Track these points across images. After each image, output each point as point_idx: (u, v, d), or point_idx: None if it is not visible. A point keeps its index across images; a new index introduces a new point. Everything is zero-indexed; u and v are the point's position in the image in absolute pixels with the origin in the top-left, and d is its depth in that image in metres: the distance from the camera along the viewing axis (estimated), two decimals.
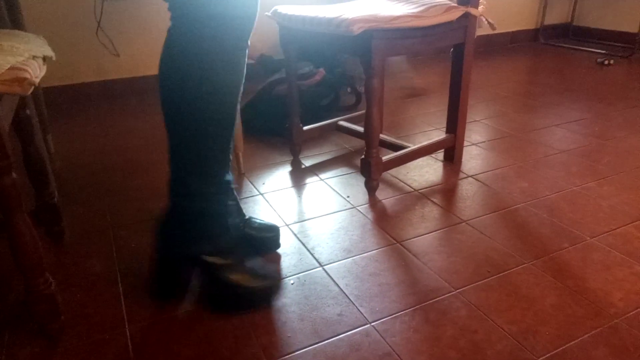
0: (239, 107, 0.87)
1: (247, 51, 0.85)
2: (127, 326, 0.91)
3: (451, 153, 1.56)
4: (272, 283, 0.94)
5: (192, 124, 0.84)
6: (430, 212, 1.27)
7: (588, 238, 1.14)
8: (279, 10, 1.41)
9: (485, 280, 1.00)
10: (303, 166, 1.56)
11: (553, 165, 1.52)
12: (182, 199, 0.89)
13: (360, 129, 1.64)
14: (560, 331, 0.87)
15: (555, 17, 3.44)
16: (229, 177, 0.94)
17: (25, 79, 0.74)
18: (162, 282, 0.94)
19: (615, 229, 1.17)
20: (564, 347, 0.83)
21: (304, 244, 1.14)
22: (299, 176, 1.50)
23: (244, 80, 0.86)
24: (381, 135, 1.58)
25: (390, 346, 0.84)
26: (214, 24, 0.78)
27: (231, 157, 0.92)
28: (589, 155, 1.59)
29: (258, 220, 1.10)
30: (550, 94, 2.25)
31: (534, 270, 1.03)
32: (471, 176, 1.46)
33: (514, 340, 0.85)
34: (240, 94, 0.87)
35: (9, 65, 0.75)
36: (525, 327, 0.88)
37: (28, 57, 0.83)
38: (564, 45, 3.25)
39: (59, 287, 1.01)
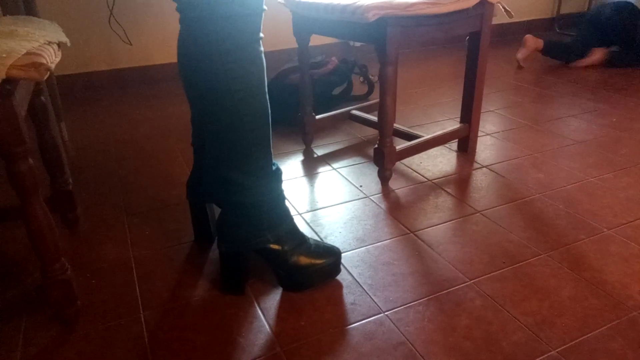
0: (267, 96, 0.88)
1: (261, 41, 0.85)
2: (142, 312, 0.91)
3: (465, 143, 1.54)
4: (335, 257, 0.97)
5: (229, 123, 0.84)
6: (444, 202, 1.25)
7: (605, 230, 1.12)
8: None
9: (500, 271, 0.99)
10: (315, 155, 1.56)
11: (569, 156, 1.50)
12: (236, 196, 0.89)
13: (374, 118, 1.62)
14: (577, 323, 0.86)
15: (571, 6, 3.37)
16: (276, 163, 0.94)
17: (41, 64, 0.73)
18: (232, 278, 0.95)
19: (632, 220, 1.16)
20: (580, 339, 0.82)
21: (316, 233, 1.14)
22: (311, 165, 1.49)
23: (266, 70, 0.86)
24: (394, 125, 1.56)
25: (404, 335, 0.84)
26: (226, 23, 0.79)
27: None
28: (605, 146, 1.56)
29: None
30: (566, 84, 2.21)
31: (550, 262, 1.02)
32: (485, 166, 1.44)
33: (530, 331, 0.84)
34: (266, 83, 0.87)
35: (24, 51, 0.75)
36: (541, 319, 0.87)
37: (43, 43, 0.83)
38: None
39: (74, 273, 1.02)
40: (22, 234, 1.17)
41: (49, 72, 0.76)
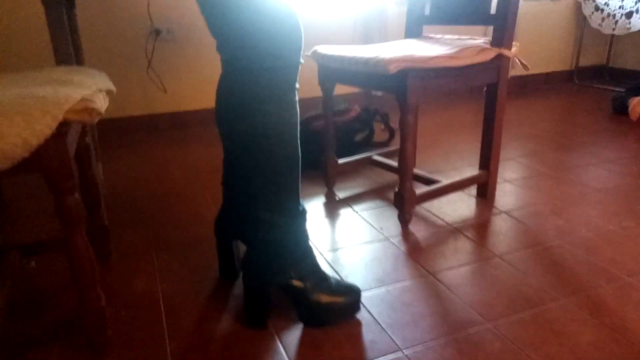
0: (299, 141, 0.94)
1: (297, 91, 0.92)
2: (167, 344, 0.95)
3: (484, 189, 1.57)
4: (355, 296, 1.00)
5: (262, 165, 0.90)
6: (463, 246, 1.28)
7: (626, 277, 1.12)
8: (318, 51, 1.49)
9: (519, 314, 1.00)
10: (337, 198, 1.61)
11: (589, 203, 1.51)
12: (263, 234, 0.94)
13: (394, 163, 1.68)
14: None
15: (590, 58, 3.45)
16: (302, 203, 0.99)
17: (93, 109, 0.82)
18: (255, 312, 0.98)
19: None
20: None
21: (337, 272, 1.17)
22: (333, 207, 1.54)
23: (299, 117, 0.93)
24: (415, 170, 1.61)
25: None
26: (266, 75, 0.86)
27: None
28: (626, 194, 1.57)
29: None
30: (586, 134, 2.24)
31: (569, 307, 1.02)
32: (505, 212, 1.47)
33: None
34: (298, 130, 0.93)
35: (80, 97, 0.83)
36: None
37: (95, 90, 0.92)
38: (600, 86, 3.24)
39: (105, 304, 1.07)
40: (54, 267, 1.24)
41: (99, 117, 0.85)
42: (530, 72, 3.27)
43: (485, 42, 1.42)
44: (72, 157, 0.85)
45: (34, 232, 1.43)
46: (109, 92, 1.05)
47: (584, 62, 3.42)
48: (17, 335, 0.98)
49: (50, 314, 1.05)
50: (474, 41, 1.45)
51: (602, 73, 3.48)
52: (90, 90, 0.90)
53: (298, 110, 0.92)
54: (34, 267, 1.24)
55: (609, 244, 1.27)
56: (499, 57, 1.40)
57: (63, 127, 0.81)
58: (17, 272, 1.22)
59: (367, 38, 2.75)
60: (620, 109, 2.55)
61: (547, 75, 3.35)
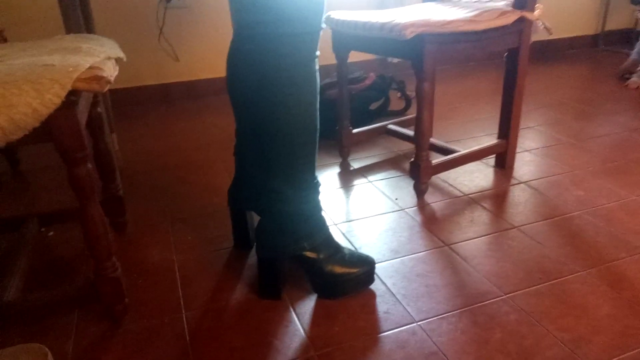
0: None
1: (317, 59, 0.88)
2: (183, 312, 0.96)
3: (503, 159, 1.53)
4: (369, 267, 1.00)
5: (281, 136, 0.88)
6: (480, 217, 1.25)
7: None
8: (332, 17, 1.44)
9: (536, 286, 0.99)
10: (352, 168, 1.59)
11: (611, 174, 1.47)
12: (278, 205, 0.93)
13: (410, 132, 1.64)
14: (615, 341, 0.84)
15: (617, 22, 3.29)
16: (317, 176, 0.97)
17: (102, 77, 0.80)
18: (269, 283, 0.99)
19: None
20: (618, 357, 0.81)
21: (351, 243, 1.16)
22: (347, 178, 1.52)
23: (319, 86, 0.90)
24: (431, 140, 1.57)
25: (436, 345, 0.85)
26: (288, 41, 0.82)
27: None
28: None
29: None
30: (610, 102, 2.16)
31: (588, 279, 1.00)
32: (523, 182, 1.43)
33: (566, 347, 0.83)
34: (318, 100, 0.90)
35: (88, 65, 0.82)
36: (577, 335, 0.86)
37: (104, 58, 0.90)
38: (627, 51, 3.10)
39: (122, 273, 1.08)
40: (73, 236, 1.25)
41: (108, 85, 0.83)
42: (553, 36, 3.14)
43: (506, 5, 1.36)
44: (83, 127, 0.84)
45: (52, 202, 1.44)
46: (118, 60, 1.03)
47: (611, 25, 3.27)
48: (36, 303, 1.00)
49: (70, 283, 1.07)
50: (494, 3, 1.39)
51: (630, 37, 3.33)
52: (99, 58, 0.88)
53: (318, 78, 0.89)
54: (53, 237, 1.26)
55: (631, 215, 1.24)
56: (521, 20, 1.34)
57: (72, 96, 0.80)
58: (36, 242, 1.24)
59: (382, 3, 2.66)
60: None
61: (571, 40, 3.22)
